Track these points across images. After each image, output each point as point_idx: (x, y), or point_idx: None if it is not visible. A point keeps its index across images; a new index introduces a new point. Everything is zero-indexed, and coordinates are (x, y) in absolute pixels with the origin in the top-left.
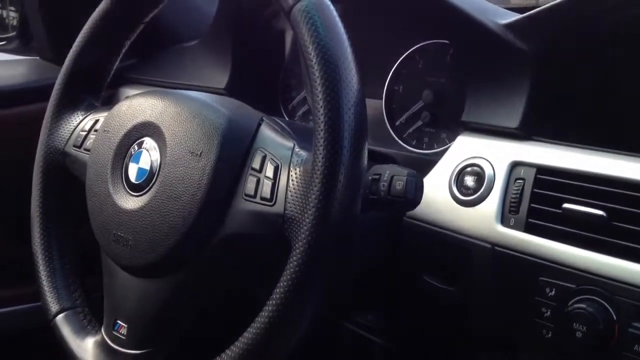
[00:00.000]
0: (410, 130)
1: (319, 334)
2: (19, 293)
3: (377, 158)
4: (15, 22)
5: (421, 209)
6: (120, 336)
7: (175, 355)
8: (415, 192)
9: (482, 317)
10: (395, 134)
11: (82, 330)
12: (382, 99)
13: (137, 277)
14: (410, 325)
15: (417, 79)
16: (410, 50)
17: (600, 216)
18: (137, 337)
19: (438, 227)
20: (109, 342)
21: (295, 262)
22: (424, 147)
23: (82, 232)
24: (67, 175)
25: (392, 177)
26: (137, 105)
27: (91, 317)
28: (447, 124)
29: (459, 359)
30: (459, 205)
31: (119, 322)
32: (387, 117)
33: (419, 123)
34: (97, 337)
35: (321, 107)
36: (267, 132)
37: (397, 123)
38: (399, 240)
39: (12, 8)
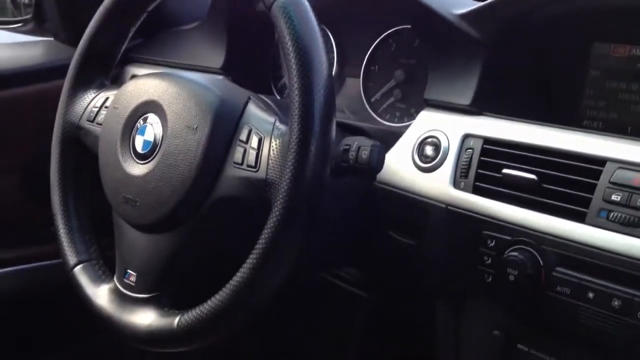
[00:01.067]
0: (384, 105)
1: (303, 285)
2: (42, 251)
3: (352, 131)
4: (27, 1)
5: (388, 175)
6: (131, 283)
7: (177, 298)
8: (377, 161)
9: (437, 266)
10: (371, 109)
11: (97, 280)
12: (360, 78)
13: (144, 232)
14: (381, 277)
15: (390, 60)
16: (384, 35)
17: (532, 179)
18: (145, 284)
19: (402, 190)
20: (120, 288)
21: (274, 217)
22: (396, 120)
23: (96, 196)
24: (82, 147)
25: (359, 148)
26: (143, 85)
27: (105, 269)
28: (416, 100)
29: (421, 307)
30: (419, 172)
31: (129, 271)
32: (364, 94)
33: (392, 99)
34: (111, 285)
35: (296, 88)
36: (253, 109)
37: (373, 99)
38: (369, 201)
39: None
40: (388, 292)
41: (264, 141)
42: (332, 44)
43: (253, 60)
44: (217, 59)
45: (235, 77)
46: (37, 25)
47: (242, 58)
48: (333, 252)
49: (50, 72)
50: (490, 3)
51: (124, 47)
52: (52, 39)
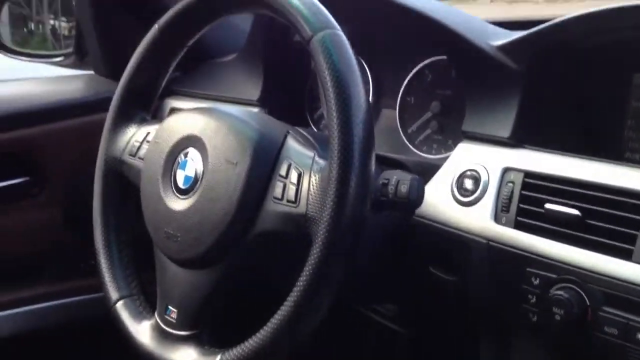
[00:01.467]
0: (421, 137)
1: (342, 321)
2: (82, 285)
3: (390, 163)
4: (66, 32)
5: (428, 209)
6: (171, 320)
7: (218, 335)
8: (417, 194)
9: (479, 304)
10: (407, 140)
11: (139, 315)
12: (396, 110)
13: (185, 268)
14: (420, 313)
15: (426, 91)
16: (420, 66)
17: (576, 215)
18: (186, 320)
19: (441, 225)
20: (161, 325)
21: (315, 253)
22: (433, 152)
23: (136, 230)
24: (124, 181)
25: (398, 182)
26: (183, 120)
27: (146, 304)
28: (453, 131)
29: (465, 344)
30: (459, 205)
31: (170, 307)
32: (400, 125)
33: (428, 131)
34: (152, 321)
35: (335, 124)
36: (292, 143)
37: (409, 131)
38: (408, 236)
39: (64, 19)
40: (427, 328)
41: (304, 176)
42: (367, 75)
43: (289, 92)
44: (253, 91)
45: (272, 109)
46: (78, 59)
47: (279, 90)
48: (371, 287)
49: (92, 106)
50: (529, 34)
51: (164, 82)
52: (92, 72)
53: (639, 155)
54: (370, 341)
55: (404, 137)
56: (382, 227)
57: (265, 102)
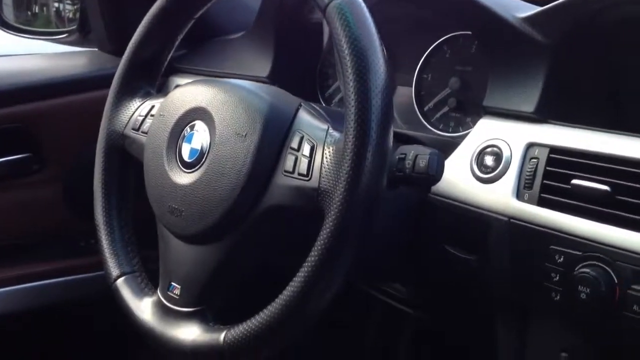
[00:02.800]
0: (438, 115)
1: (348, 301)
2: (82, 263)
3: (405, 140)
4: (71, 15)
5: (445, 186)
6: (174, 296)
7: (223, 312)
8: (436, 169)
9: (498, 283)
10: (424, 118)
11: (140, 292)
12: (412, 86)
13: (189, 244)
14: (436, 294)
15: (444, 67)
16: (438, 41)
17: (605, 191)
18: (190, 297)
19: (460, 202)
20: (164, 301)
21: (328, 228)
22: (450, 130)
23: (139, 207)
24: (126, 156)
25: (416, 156)
26: (190, 92)
27: (148, 281)
28: (472, 109)
29: (481, 326)
30: (479, 183)
31: (173, 284)
32: (416, 103)
33: (446, 108)
34: (154, 298)
35: (352, 92)
36: (305, 116)
37: (426, 108)
38: (424, 214)
39: (69, 1)
40: (439, 309)
41: (317, 149)
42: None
43: (300, 69)
44: (263, 68)
45: (282, 87)
46: (82, 36)
47: (289, 67)
48: (382, 266)
49: (95, 81)
50: (558, 4)
51: (170, 55)
52: (96, 49)
53: None
54: (377, 322)
55: (420, 115)
56: (396, 204)
57: (275, 80)
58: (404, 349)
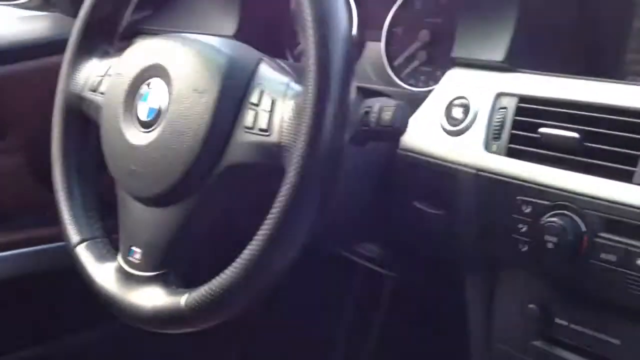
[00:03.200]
0: (408, 69)
1: (324, 265)
2: (49, 233)
3: (374, 95)
4: None
5: (414, 141)
6: (136, 261)
7: (186, 276)
8: (401, 121)
9: (467, 237)
10: (394, 73)
11: (101, 258)
12: (381, 42)
13: (149, 206)
14: (407, 253)
15: (414, 21)
16: None
17: (574, 138)
18: (151, 261)
19: (429, 157)
20: (125, 266)
21: (288, 185)
22: (421, 85)
23: (102, 174)
24: (85, 118)
25: (381, 108)
26: (146, 48)
27: (110, 247)
28: (442, 62)
29: (449, 282)
30: (447, 135)
31: (133, 248)
32: (386, 58)
33: (416, 63)
34: (114, 263)
35: (310, 42)
36: (265, 69)
37: (396, 63)
38: (394, 170)
39: None
40: (412, 268)
41: (277, 103)
42: (351, 5)
43: (267, 27)
44: (229, 25)
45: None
46: (44, 1)
47: (256, 24)
48: (352, 226)
49: (57, 45)
50: None
51: (128, 12)
52: (58, 13)
53: None
54: (356, 286)
55: (390, 70)
56: (365, 161)
57: (242, 38)
58: (381, 310)
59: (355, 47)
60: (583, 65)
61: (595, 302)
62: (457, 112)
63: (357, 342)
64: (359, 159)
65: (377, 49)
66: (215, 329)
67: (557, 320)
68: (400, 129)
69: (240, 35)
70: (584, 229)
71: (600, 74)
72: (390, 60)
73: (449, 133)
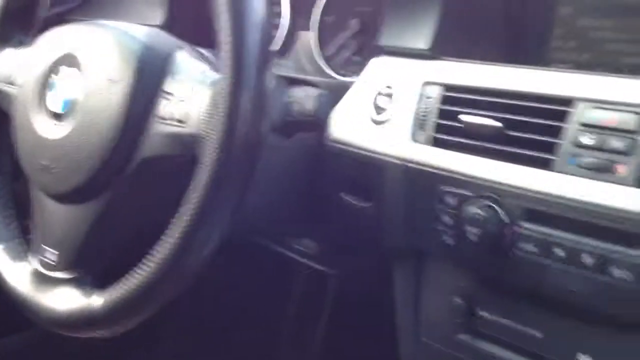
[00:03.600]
0: (340, 59)
1: (262, 263)
2: None
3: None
4: None
5: (340, 131)
6: (50, 261)
7: (102, 276)
8: (324, 110)
9: (393, 230)
10: (326, 64)
11: (16, 260)
12: (312, 31)
13: (62, 203)
14: (337, 247)
15: (345, 9)
16: None
17: (495, 127)
18: (65, 261)
19: (356, 148)
20: (39, 267)
21: (202, 175)
22: (353, 75)
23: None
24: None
25: (303, 98)
26: (58, 37)
27: (26, 248)
28: (373, 51)
29: (381, 275)
30: (374, 125)
31: (47, 248)
32: (318, 47)
33: (347, 52)
34: (28, 264)
35: (224, 28)
36: (183, 58)
37: (328, 53)
38: (322, 162)
39: None
40: (348, 263)
41: (193, 92)
42: None
43: (197, 16)
44: (157, 15)
45: (177, 36)
46: None
47: (185, 13)
48: (282, 220)
49: None
50: None
51: (45, 2)
52: None
53: (567, 65)
54: (296, 284)
55: (322, 60)
56: (292, 153)
57: (170, 28)
58: (319, 306)
59: (287, 36)
60: (509, 52)
61: (519, 294)
62: (383, 101)
63: (300, 346)
64: (286, 151)
65: (309, 38)
66: (131, 334)
67: (482, 314)
68: (323, 118)
69: (169, 25)
70: (506, 219)
71: (526, 61)
72: (322, 50)
73: (376, 123)
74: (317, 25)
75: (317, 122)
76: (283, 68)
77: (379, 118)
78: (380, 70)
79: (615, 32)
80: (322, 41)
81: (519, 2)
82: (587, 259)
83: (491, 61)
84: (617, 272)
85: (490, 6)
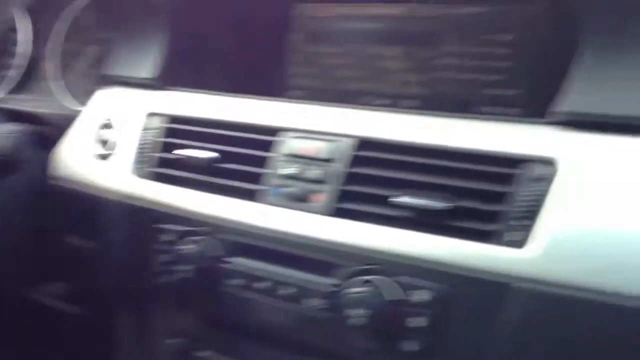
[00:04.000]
0: (79, 87)
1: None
2: None
3: (25, 119)
4: None
5: (64, 167)
6: None
7: None
8: (23, 149)
9: (115, 270)
10: (65, 92)
11: None
12: (54, 59)
13: None
14: (74, 288)
15: (84, 37)
16: (78, 8)
17: (207, 159)
18: None
19: (79, 185)
20: None
21: None
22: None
23: None
24: None
25: None
26: None
27: None
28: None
29: (108, 317)
30: (98, 160)
31: None
32: (57, 76)
33: (86, 80)
34: None
35: None
36: None
37: (69, 81)
38: (44, 201)
39: None
40: (86, 302)
41: None
42: (28, 21)
43: None
44: None
45: None
46: None
47: None
48: (16, 264)
49: None
50: None
51: None
52: None
53: (302, 92)
54: (44, 327)
55: (60, 89)
56: (10, 195)
57: None
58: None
59: (31, 64)
60: (244, 81)
61: (235, 330)
62: (108, 134)
63: None
64: (7, 191)
65: (52, 66)
66: None
67: (202, 354)
68: (24, 158)
69: None
70: (216, 254)
71: (262, 89)
72: (65, 77)
73: (100, 157)
74: (59, 52)
75: (12, 163)
76: (18, 101)
77: (102, 152)
78: (104, 102)
79: (341, 58)
80: (63, 70)
81: (251, 30)
82: (284, 290)
83: (223, 91)
84: (310, 301)
85: (219, 36)
